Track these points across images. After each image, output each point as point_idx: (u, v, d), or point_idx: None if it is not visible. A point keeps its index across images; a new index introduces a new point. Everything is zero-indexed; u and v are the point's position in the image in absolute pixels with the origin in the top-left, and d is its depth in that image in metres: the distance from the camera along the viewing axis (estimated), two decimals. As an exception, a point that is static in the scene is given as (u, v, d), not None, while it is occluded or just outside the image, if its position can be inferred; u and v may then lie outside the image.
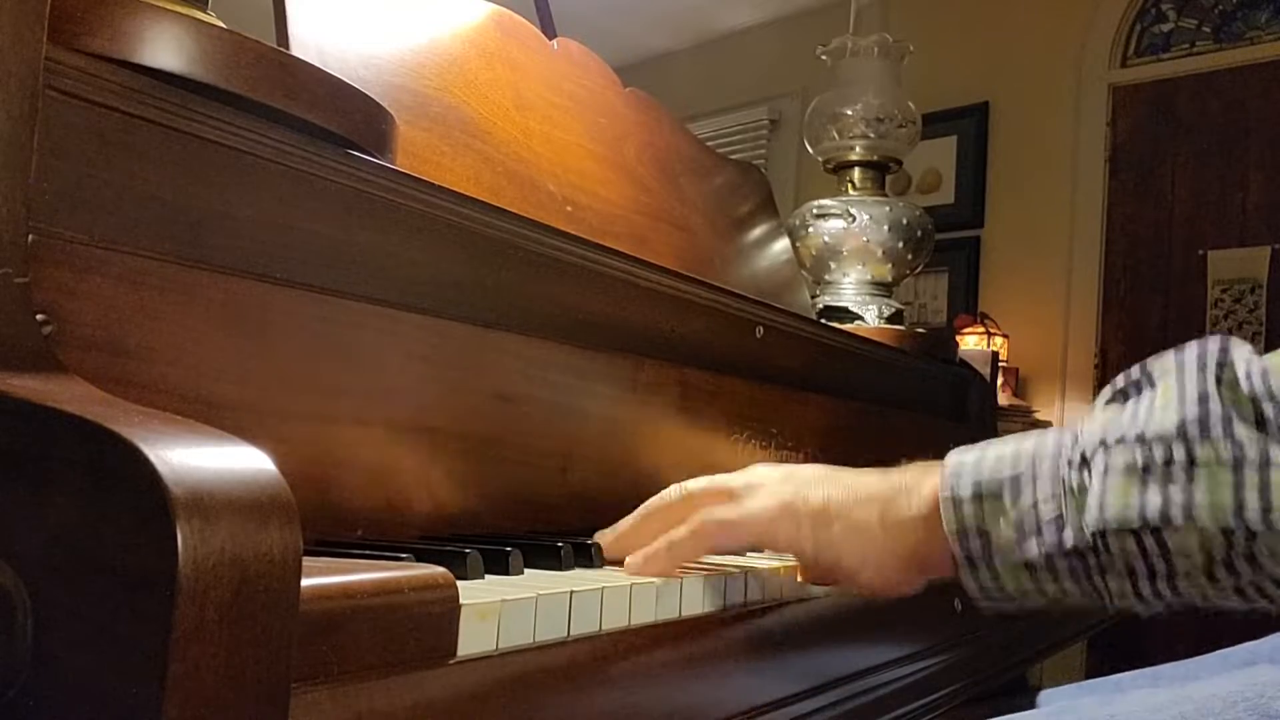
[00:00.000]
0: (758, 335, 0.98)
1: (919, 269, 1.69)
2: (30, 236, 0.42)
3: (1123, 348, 3.00)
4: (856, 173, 1.66)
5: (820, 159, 1.71)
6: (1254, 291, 2.79)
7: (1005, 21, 3.29)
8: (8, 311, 0.40)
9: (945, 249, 3.08)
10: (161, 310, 0.49)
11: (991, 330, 2.95)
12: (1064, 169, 3.12)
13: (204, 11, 0.52)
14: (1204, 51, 2.95)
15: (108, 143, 0.47)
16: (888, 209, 1.61)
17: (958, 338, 2.78)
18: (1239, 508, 0.45)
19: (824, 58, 1.74)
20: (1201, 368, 0.49)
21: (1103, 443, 0.49)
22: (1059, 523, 0.50)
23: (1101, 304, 3.03)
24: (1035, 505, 0.51)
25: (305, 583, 0.34)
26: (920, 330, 1.67)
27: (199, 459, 0.32)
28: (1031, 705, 0.80)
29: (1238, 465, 0.45)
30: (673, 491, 0.63)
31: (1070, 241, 3.08)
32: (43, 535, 0.32)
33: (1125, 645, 2.62)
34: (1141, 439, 0.48)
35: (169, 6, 0.49)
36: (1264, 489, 0.45)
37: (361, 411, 0.61)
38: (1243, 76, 2.88)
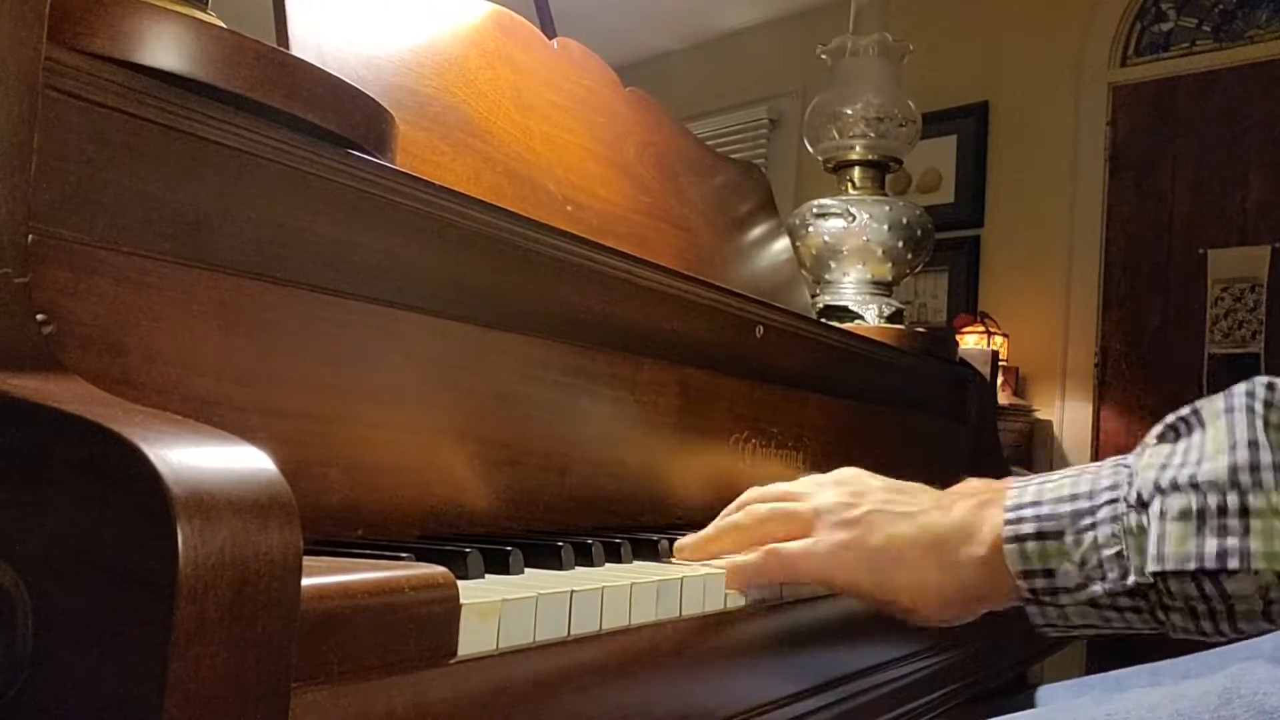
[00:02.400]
0: (758, 335, 0.98)
1: (919, 268, 1.69)
2: (30, 236, 0.42)
3: (1123, 347, 3.00)
4: (856, 172, 1.66)
5: (820, 158, 1.71)
6: (1254, 290, 2.79)
7: (1005, 21, 3.29)
8: (8, 311, 0.40)
9: (945, 248, 3.08)
10: (161, 310, 0.49)
11: (991, 329, 2.95)
12: (1064, 168, 3.12)
13: (204, 11, 0.52)
14: (1204, 51, 2.95)
15: (108, 143, 0.47)
16: (888, 208, 1.61)
17: (958, 337, 2.78)
18: None
19: (824, 57, 1.74)
20: (1250, 410, 0.50)
21: (1158, 485, 0.51)
22: (1121, 562, 0.52)
23: (1101, 303, 3.03)
24: (1097, 545, 0.53)
25: (305, 583, 0.34)
26: (920, 329, 1.67)
27: (199, 459, 0.32)
28: (1030, 704, 0.80)
29: None
30: (743, 516, 0.66)
31: (1070, 241, 3.08)
32: (43, 535, 0.32)
33: (1125, 645, 2.61)
34: (1194, 485, 0.50)
35: (169, 6, 0.49)
36: None
37: (361, 411, 0.61)
38: (1242, 76, 2.88)
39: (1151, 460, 0.53)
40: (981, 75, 3.31)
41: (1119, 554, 0.52)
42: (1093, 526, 0.53)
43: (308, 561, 0.34)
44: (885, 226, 1.59)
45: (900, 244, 1.60)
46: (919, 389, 1.39)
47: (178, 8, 0.50)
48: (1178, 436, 0.53)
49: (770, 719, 0.65)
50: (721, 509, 0.92)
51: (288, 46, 0.73)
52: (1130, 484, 0.53)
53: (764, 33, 3.92)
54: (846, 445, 1.14)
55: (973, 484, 0.61)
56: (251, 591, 0.31)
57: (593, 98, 1.07)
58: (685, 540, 0.67)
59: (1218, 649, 0.78)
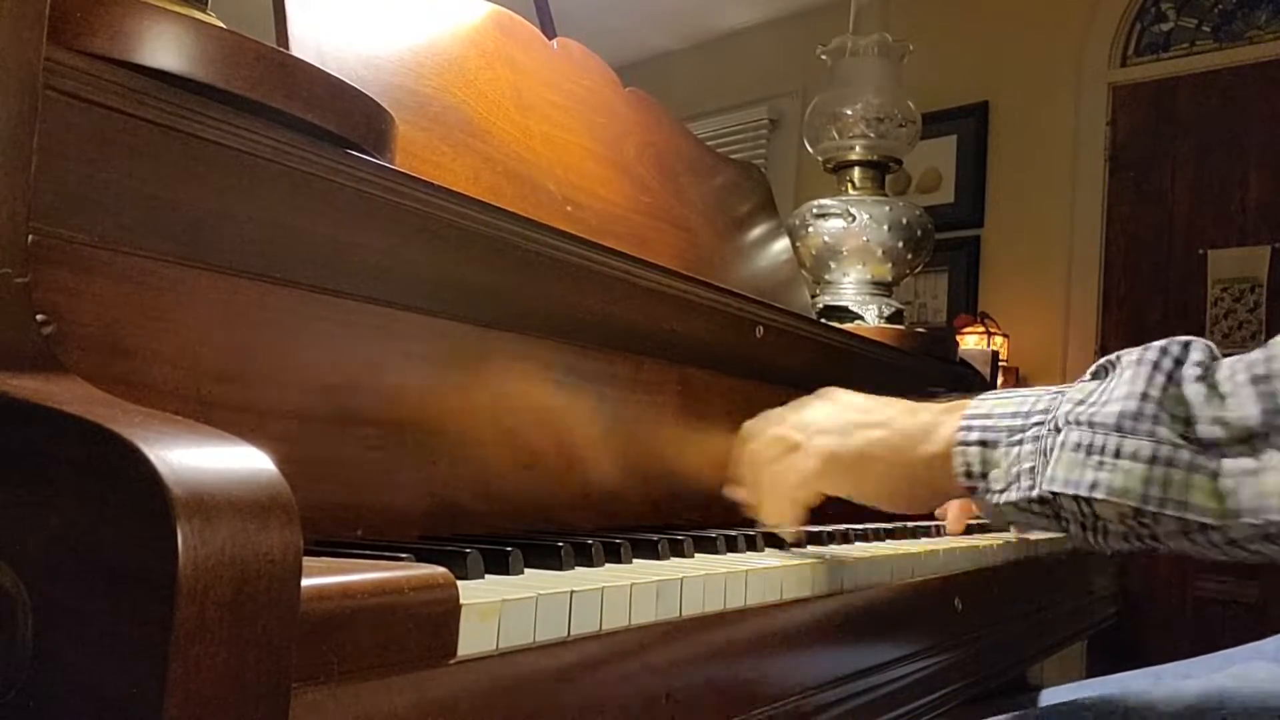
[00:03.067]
0: (758, 335, 0.98)
1: (919, 268, 1.69)
2: (30, 236, 0.42)
3: (1123, 347, 2.99)
4: (856, 172, 1.66)
5: (820, 159, 1.71)
6: (1254, 290, 2.79)
7: (1005, 21, 3.29)
8: (8, 311, 0.40)
9: (945, 248, 3.08)
10: (161, 310, 0.49)
11: (991, 329, 2.95)
12: (1064, 168, 3.12)
13: (204, 11, 0.52)
14: (1204, 51, 2.95)
15: (108, 143, 0.47)
16: (888, 208, 1.61)
17: (958, 337, 2.78)
18: (1143, 496, 0.55)
19: (824, 57, 1.74)
20: (1156, 365, 0.58)
21: (1068, 418, 0.60)
22: (1033, 476, 0.61)
23: (1101, 303, 3.03)
24: (1019, 459, 0.62)
25: (305, 583, 0.34)
26: (920, 330, 1.66)
27: (199, 459, 0.32)
28: (1032, 705, 0.81)
29: (1151, 460, 0.55)
30: (745, 452, 0.77)
31: (1070, 241, 3.08)
32: (43, 535, 0.32)
33: (1125, 645, 2.62)
34: (1091, 423, 0.58)
35: (169, 6, 0.49)
36: (1165, 483, 0.55)
37: (361, 411, 0.61)
38: (1242, 76, 2.88)
39: (1074, 395, 0.61)
40: (981, 75, 3.31)
41: (1032, 469, 0.61)
42: (1020, 443, 0.62)
43: (308, 561, 0.34)
44: (885, 227, 1.59)
45: (900, 244, 1.60)
46: (919, 389, 1.39)
47: (178, 8, 0.50)
48: (1105, 375, 0.61)
49: (770, 718, 0.65)
50: (721, 509, 0.92)
51: (288, 46, 0.73)
52: (1054, 413, 0.61)
53: (764, 33, 3.92)
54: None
55: (943, 402, 0.71)
56: (251, 591, 0.31)
57: (593, 98, 1.07)
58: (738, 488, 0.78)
59: (1220, 653, 0.78)
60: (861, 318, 1.58)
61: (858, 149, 1.65)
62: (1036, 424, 0.62)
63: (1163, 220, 2.97)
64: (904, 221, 1.61)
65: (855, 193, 1.65)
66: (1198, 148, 2.94)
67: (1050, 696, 1.00)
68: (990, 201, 3.30)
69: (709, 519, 0.91)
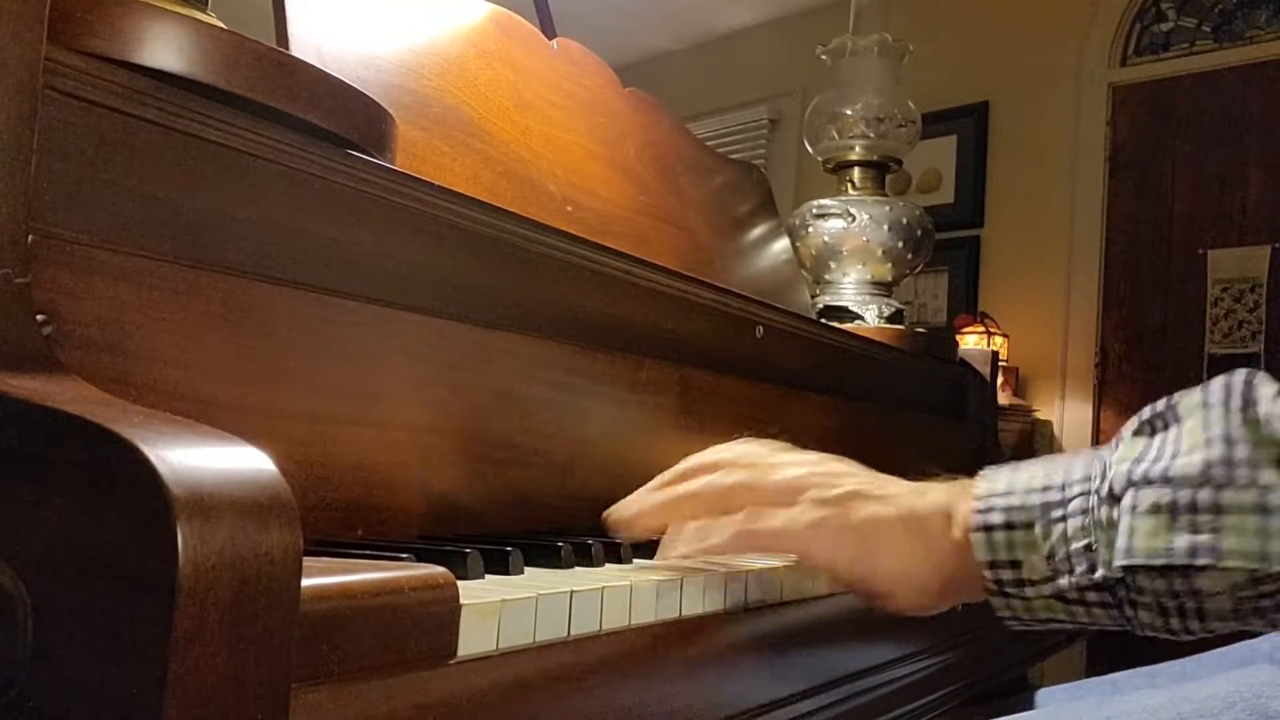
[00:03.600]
0: (758, 335, 0.98)
1: (919, 268, 1.69)
2: (30, 237, 0.42)
3: (1123, 347, 3.00)
4: (856, 172, 1.66)
5: (820, 159, 1.71)
6: (1254, 290, 2.79)
7: (1005, 21, 3.29)
8: (8, 311, 0.40)
9: (945, 248, 3.08)
10: (161, 310, 0.49)
11: (991, 330, 2.95)
12: (1064, 168, 3.12)
13: (204, 11, 0.52)
14: (1204, 51, 2.95)
15: (108, 143, 0.47)
16: (888, 209, 1.61)
17: (957, 337, 2.78)
18: (1263, 554, 0.46)
19: (824, 57, 1.74)
20: (1226, 406, 0.49)
21: (1130, 479, 0.50)
22: (1089, 556, 0.50)
23: (1101, 303, 3.03)
24: (1066, 538, 0.51)
25: (305, 583, 0.34)
26: (920, 330, 1.67)
27: (199, 459, 0.32)
28: (1031, 706, 0.80)
29: (1263, 510, 0.46)
30: (701, 486, 0.63)
31: (1070, 241, 3.08)
32: (43, 535, 0.32)
33: (1125, 645, 2.61)
34: (1168, 479, 0.48)
35: (169, 6, 0.49)
36: None
37: (361, 411, 0.61)
38: (1242, 76, 2.88)
39: (1126, 453, 0.51)
40: (981, 75, 3.31)
41: (1088, 546, 0.51)
42: (1063, 519, 0.52)
43: (308, 562, 0.34)
44: (885, 227, 1.59)
45: (900, 244, 1.60)
46: (919, 389, 1.39)
47: (178, 8, 0.50)
48: (1154, 430, 0.52)
49: (771, 718, 0.65)
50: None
51: (288, 46, 0.73)
52: (1104, 476, 0.51)
53: (764, 33, 3.92)
54: (846, 445, 1.13)
55: (947, 479, 0.60)
56: (251, 591, 0.31)
57: (592, 98, 1.07)
58: (620, 511, 0.63)
59: (1217, 651, 0.78)
60: (861, 318, 1.58)
61: (858, 149, 1.65)
62: (1080, 494, 0.52)
63: (1163, 220, 2.97)
64: (904, 221, 1.61)
65: (855, 193, 1.65)
66: (1198, 148, 2.94)
67: (1047, 697, 1.00)
68: (990, 201, 3.30)
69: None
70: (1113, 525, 0.50)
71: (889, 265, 1.61)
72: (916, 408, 1.37)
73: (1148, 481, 0.49)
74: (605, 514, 0.63)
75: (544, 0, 1.18)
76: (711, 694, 0.61)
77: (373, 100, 0.59)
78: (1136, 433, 0.53)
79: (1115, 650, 2.61)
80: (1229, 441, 0.48)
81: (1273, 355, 2.73)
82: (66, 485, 0.32)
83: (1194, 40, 2.97)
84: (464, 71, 0.88)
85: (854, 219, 1.59)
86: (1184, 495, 0.48)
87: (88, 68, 0.45)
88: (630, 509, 0.64)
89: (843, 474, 0.61)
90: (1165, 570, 0.48)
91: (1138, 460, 0.50)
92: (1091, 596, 0.51)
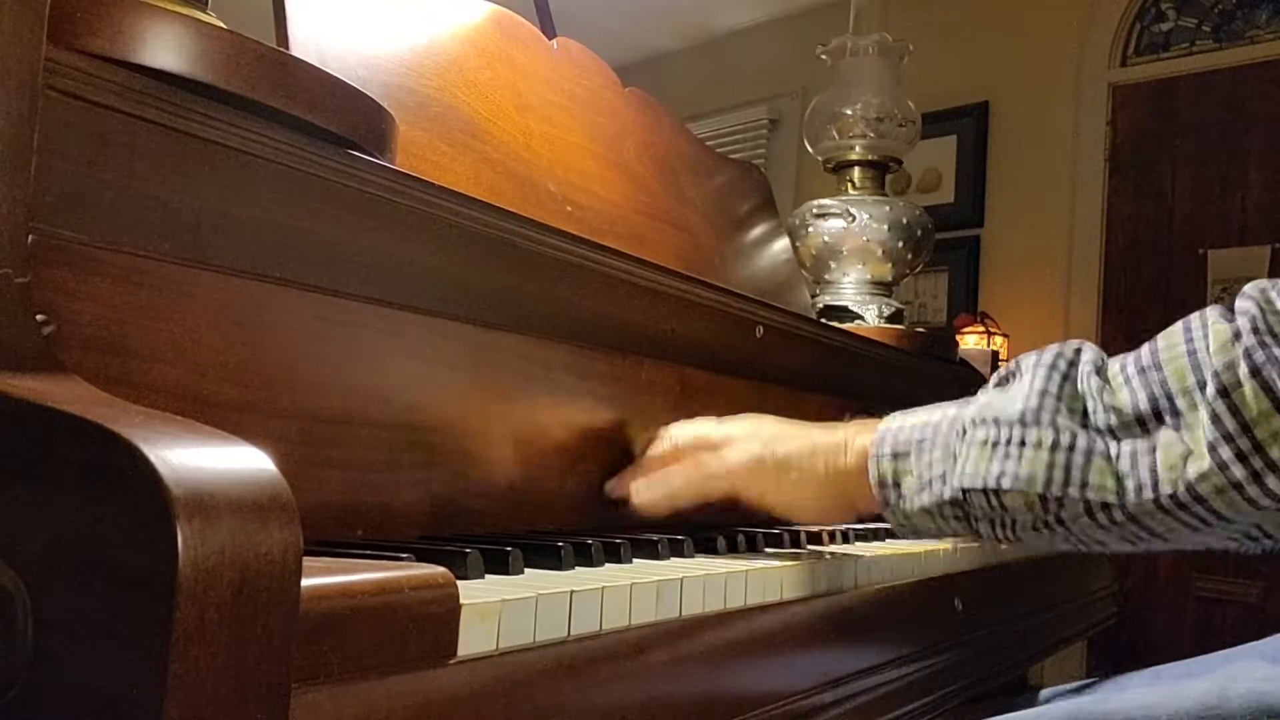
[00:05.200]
0: (758, 335, 0.98)
1: (919, 268, 1.69)
2: (30, 236, 0.42)
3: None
4: (856, 172, 1.66)
5: (820, 159, 1.71)
6: (1254, 291, 2.79)
7: (1005, 21, 3.29)
8: (8, 311, 0.40)
9: (945, 248, 3.08)
10: (161, 310, 0.49)
11: (991, 329, 2.95)
12: (1064, 168, 3.12)
13: (204, 11, 0.52)
14: (1204, 51, 2.95)
15: (108, 143, 0.47)
16: (888, 208, 1.61)
17: (958, 337, 2.78)
18: (1047, 480, 0.59)
19: (824, 57, 1.74)
20: (1053, 366, 0.62)
21: (973, 419, 0.64)
22: (943, 479, 0.64)
23: (1101, 303, 3.03)
24: (930, 465, 0.66)
25: (305, 583, 0.34)
26: (920, 330, 1.66)
27: (199, 459, 0.32)
28: (1031, 705, 0.81)
29: (1053, 447, 0.59)
30: (664, 444, 0.79)
31: (1070, 241, 3.08)
32: (43, 535, 0.32)
33: (1125, 645, 2.62)
34: (996, 420, 0.62)
35: (169, 6, 0.49)
36: (1067, 468, 0.59)
37: (361, 411, 0.61)
38: (1242, 76, 2.88)
39: (980, 400, 0.65)
40: (981, 75, 3.31)
41: (943, 474, 0.64)
42: (930, 449, 0.66)
43: (308, 562, 0.34)
44: (885, 226, 1.59)
45: (900, 244, 1.60)
46: (919, 389, 1.39)
47: (178, 8, 0.50)
48: (1005, 382, 0.65)
49: (770, 719, 0.65)
50: (721, 509, 0.92)
51: (288, 47, 0.73)
52: (960, 419, 0.65)
53: (764, 33, 3.92)
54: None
55: (857, 421, 0.74)
56: (251, 591, 0.31)
57: (592, 98, 1.07)
58: (612, 481, 0.79)
59: (1219, 652, 0.78)
60: (861, 318, 1.58)
61: (858, 149, 1.65)
62: (946, 432, 0.66)
63: (1163, 220, 2.97)
64: (904, 221, 1.61)
65: (855, 193, 1.65)
66: (1198, 148, 2.94)
67: (1049, 696, 1.00)
68: (990, 201, 3.30)
69: (709, 520, 0.91)
70: (958, 456, 0.64)
71: (889, 265, 1.61)
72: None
73: (983, 422, 0.63)
74: (606, 486, 0.79)
75: (544, 0, 1.18)
76: (712, 693, 0.61)
77: (373, 100, 0.59)
78: (997, 384, 0.66)
79: (1115, 651, 2.61)
80: (1044, 394, 0.61)
81: (1273, 355, 2.73)
82: (66, 485, 0.32)
83: (1194, 40, 2.97)
84: (464, 71, 0.88)
85: (854, 219, 1.59)
86: (1003, 433, 0.61)
87: (88, 68, 0.45)
88: (615, 481, 0.79)
89: (768, 423, 0.77)
90: (985, 491, 0.62)
91: (985, 405, 0.64)
92: (947, 511, 0.65)
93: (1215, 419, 0.55)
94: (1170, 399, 0.57)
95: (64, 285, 0.45)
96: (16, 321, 0.40)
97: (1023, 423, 0.60)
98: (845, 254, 1.61)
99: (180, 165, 0.50)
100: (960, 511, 0.64)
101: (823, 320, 1.52)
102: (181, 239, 0.50)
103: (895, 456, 0.68)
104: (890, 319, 1.60)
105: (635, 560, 0.63)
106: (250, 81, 0.50)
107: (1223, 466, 0.55)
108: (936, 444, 0.66)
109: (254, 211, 0.54)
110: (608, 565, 0.60)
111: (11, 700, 0.32)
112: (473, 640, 0.41)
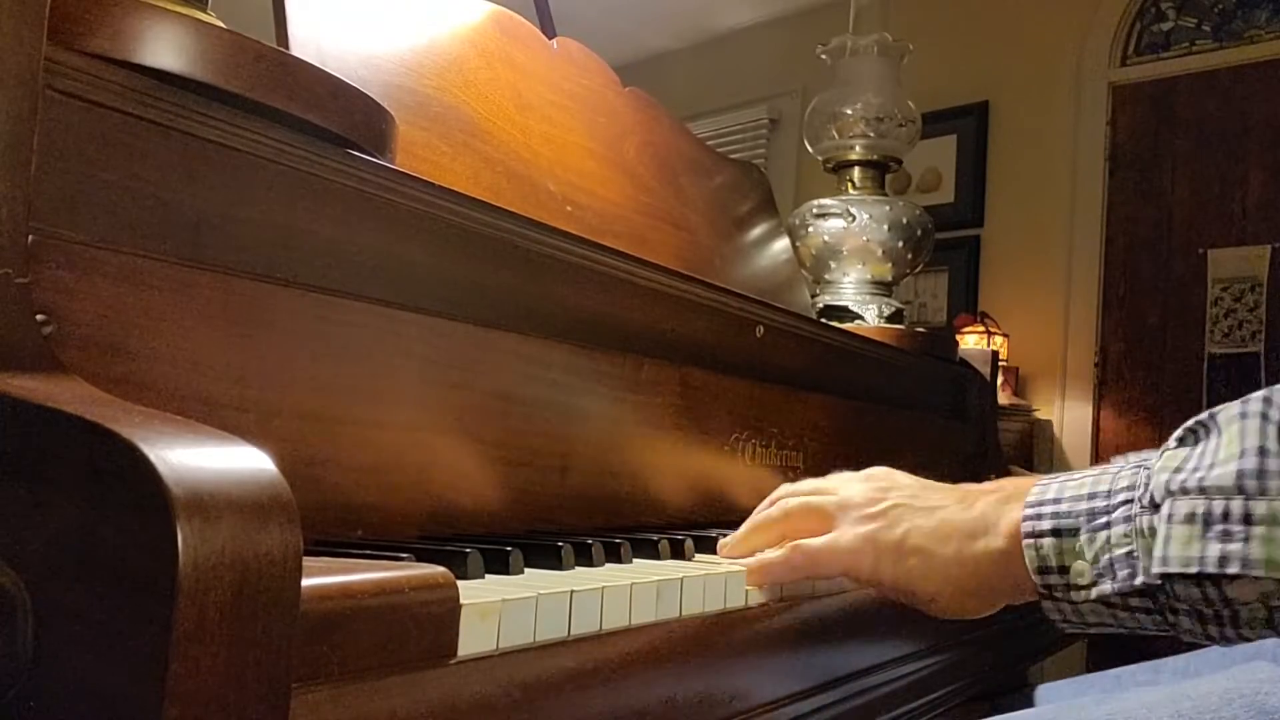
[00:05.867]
0: (758, 335, 0.98)
1: (919, 268, 1.69)
2: (30, 236, 0.42)
3: (1123, 346, 3.00)
4: (856, 172, 1.66)
5: (820, 158, 1.71)
6: (1254, 290, 2.79)
7: (1005, 21, 3.29)
8: (8, 311, 0.40)
9: (945, 248, 3.08)
10: (161, 310, 0.49)
11: (991, 329, 2.95)
12: (1064, 168, 3.12)
13: (204, 11, 0.52)
14: (1204, 50, 2.95)
15: (108, 143, 0.47)
16: (888, 208, 1.61)
17: (958, 337, 2.78)
18: None
19: (824, 57, 1.74)
20: (1264, 416, 0.51)
21: (1168, 488, 0.52)
22: (1131, 562, 0.53)
23: (1101, 303, 3.03)
24: (1109, 545, 0.54)
25: (305, 583, 0.34)
26: (920, 329, 1.67)
27: (199, 459, 0.32)
28: (1031, 703, 0.80)
29: None
30: (774, 510, 0.69)
31: (1070, 240, 3.08)
32: (43, 535, 0.32)
33: (1126, 644, 2.62)
34: (1203, 489, 0.50)
35: (169, 6, 0.49)
36: None
37: (361, 411, 0.61)
38: (1242, 76, 2.88)
39: (1167, 463, 0.53)
40: (981, 75, 3.31)
41: (1129, 554, 0.53)
42: (1107, 526, 0.54)
43: (308, 562, 0.34)
44: (885, 226, 1.59)
45: (900, 244, 1.60)
46: (919, 389, 1.39)
47: (178, 8, 0.50)
48: (1196, 440, 0.53)
49: (770, 718, 0.65)
50: (722, 508, 0.92)
51: (288, 46, 0.73)
52: (1146, 486, 0.53)
53: (764, 33, 3.92)
54: (847, 445, 1.14)
55: (1002, 481, 0.62)
56: (251, 591, 0.31)
57: (592, 98, 1.07)
58: (726, 539, 0.70)
59: (1219, 648, 0.78)
60: (861, 318, 1.58)
61: (858, 149, 1.65)
62: (1124, 502, 0.54)
63: (1163, 220, 2.97)
64: (904, 221, 1.61)
65: (855, 192, 1.65)
66: (1198, 148, 2.93)
67: (1048, 693, 1.00)
68: (990, 201, 3.30)
69: (709, 519, 0.91)
70: (1152, 533, 0.52)
71: (889, 265, 1.61)
72: (917, 407, 1.37)
73: (1184, 491, 0.51)
74: (720, 545, 0.70)
75: (544, 0, 1.18)
76: (712, 693, 0.61)
77: (373, 100, 0.59)
78: (1180, 441, 0.54)
79: (1115, 648, 2.61)
80: (1263, 453, 0.49)
81: (1273, 355, 2.73)
82: (66, 485, 0.32)
83: (1194, 40, 2.97)
84: (464, 71, 0.88)
85: (854, 219, 1.59)
86: (1217, 505, 0.49)
87: (88, 68, 0.45)
88: (730, 539, 0.70)
89: (892, 488, 0.65)
90: (1199, 578, 0.49)
91: (1177, 470, 0.52)
92: (1135, 602, 0.53)
93: None
94: None
95: (64, 285, 0.45)
96: (16, 321, 0.40)
97: (1242, 492, 0.49)
98: (845, 254, 1.61)
99: (180, 165, 0.50)
100: (1154, 604, 0.53)
101: (823, 320, 1.52)
102: (181, 239, 0.50)
103: (1058, 534, 0.56)
104: (890, 319, 1.60)
105: (635, 560, 0.63)
106: (250, 81, 0.50)
107: None
108: (1114, 519, 0.54)
109: (254, 211, 0.54)
110: (608, 565, 0.60)
111: (11, 700, 0.32)
112: (473, 640, 0.41)
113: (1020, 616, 1.15)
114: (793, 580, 0.65)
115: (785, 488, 0.70)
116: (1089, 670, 2.71)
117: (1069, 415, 3.02)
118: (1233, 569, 0.48)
